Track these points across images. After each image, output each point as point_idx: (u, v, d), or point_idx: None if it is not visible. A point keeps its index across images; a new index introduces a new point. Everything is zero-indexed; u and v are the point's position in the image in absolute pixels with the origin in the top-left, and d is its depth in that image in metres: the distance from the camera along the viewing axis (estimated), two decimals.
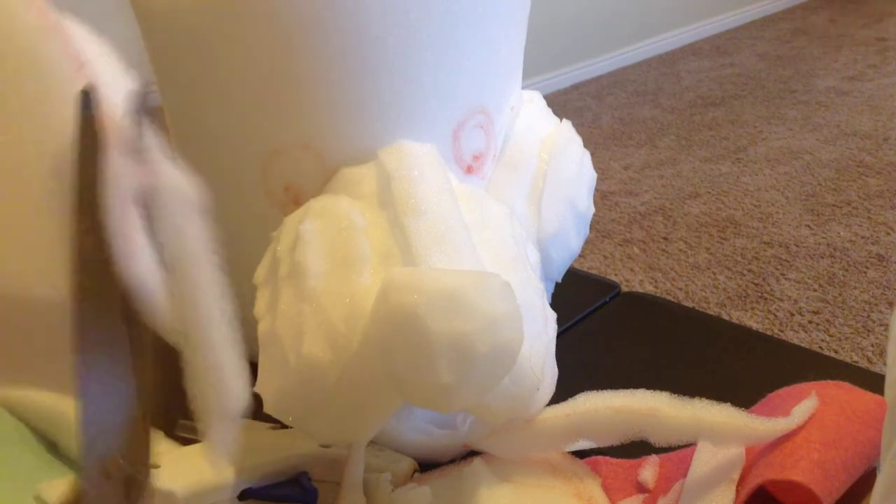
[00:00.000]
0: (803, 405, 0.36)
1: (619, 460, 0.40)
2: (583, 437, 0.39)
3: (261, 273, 0.41)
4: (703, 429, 0.36)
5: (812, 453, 0.34)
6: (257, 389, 0.37)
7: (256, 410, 0.38)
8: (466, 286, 0.32)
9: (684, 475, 0.37)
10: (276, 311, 0.37)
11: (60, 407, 0.46)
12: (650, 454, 0.40)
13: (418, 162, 0.40)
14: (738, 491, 0.35)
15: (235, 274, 0.50)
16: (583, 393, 0.39)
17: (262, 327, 0.38)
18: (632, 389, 0.38)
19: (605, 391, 0.39)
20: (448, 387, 0.32)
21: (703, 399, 0.37)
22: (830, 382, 0.38)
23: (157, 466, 0.34)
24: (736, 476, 0.36)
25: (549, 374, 0.41)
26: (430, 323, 0.31)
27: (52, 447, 0.45)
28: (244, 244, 0.48)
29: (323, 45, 0.39)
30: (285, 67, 0.40)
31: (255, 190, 0.44)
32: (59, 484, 0.41)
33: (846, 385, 0.38)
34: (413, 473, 0.41)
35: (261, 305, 0.39)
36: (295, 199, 0.43)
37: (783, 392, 0.39)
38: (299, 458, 0.38)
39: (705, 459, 0.37)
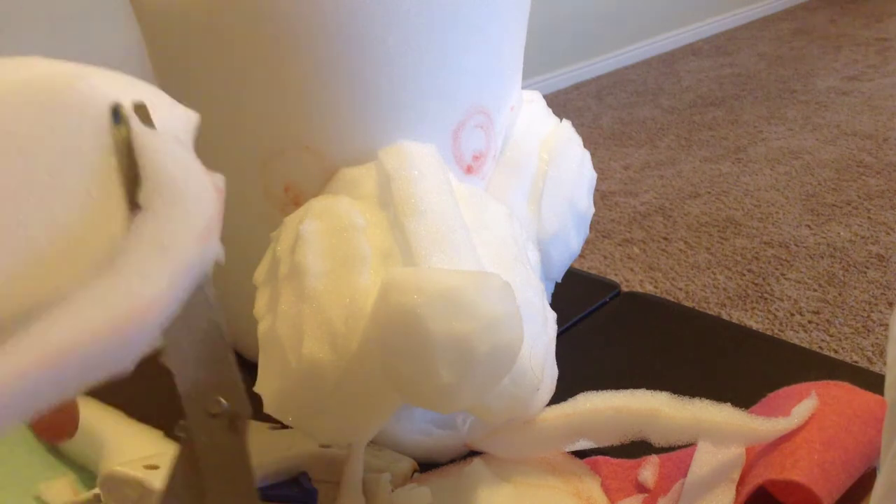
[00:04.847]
0: (803, 405, 0.36)
1: (619, 460, 0.40)
2: (583, 437, 0.39)
3: (260, 273, 0.41)
4: (703, 429, 0.36)
5: (812, 453, 0.34)
6: (257, 389, 0.37)
7: (256, 410, 0.38)
8: (466, 286, 0.32)
9: (684, 475, 0.37)
10: (276, 311, 0.37)
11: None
12: (650, 454, 0.40)
13: (418, 162, 0.40)
14: (738, 491, 0.35)
15: (235, 274, 0.50)
16: (583, 393, 0.39)
17: (262, 327, 0.38)
18: (632, 389, 0.38)
19: (605, 391, 0.39)
20: (448, 387, 0.32)
21: (703, 399, 0.37)
22: (831, 382, 0.38)
23: (155, 467, 0.34)
24: (736, 476, 0.36)
25: (548, 374, 0.41)
26: (429, 323, 0.31)
27: (52, 447, 0.45)
28: (244, 244, 0.48)
29: (323, 46, 0.39)
30: (285, 68, 0.40)
31: (254, 190, 0.44)
32: (59, 484, 0.41)
33: (846, 385, 0.38)
34: (413, 473, 0.41)
35: (261, 305, 0.39)
36: (295, 200, 0.43)
37: (783, 392, 0.39)
38: (299, 459, 0.38)
39: (705, 459, 0.37)
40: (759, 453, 0.36)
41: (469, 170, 0.46)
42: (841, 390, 0.37)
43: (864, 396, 0.37)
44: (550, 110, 0.52)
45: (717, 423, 0.36)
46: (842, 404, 0.36)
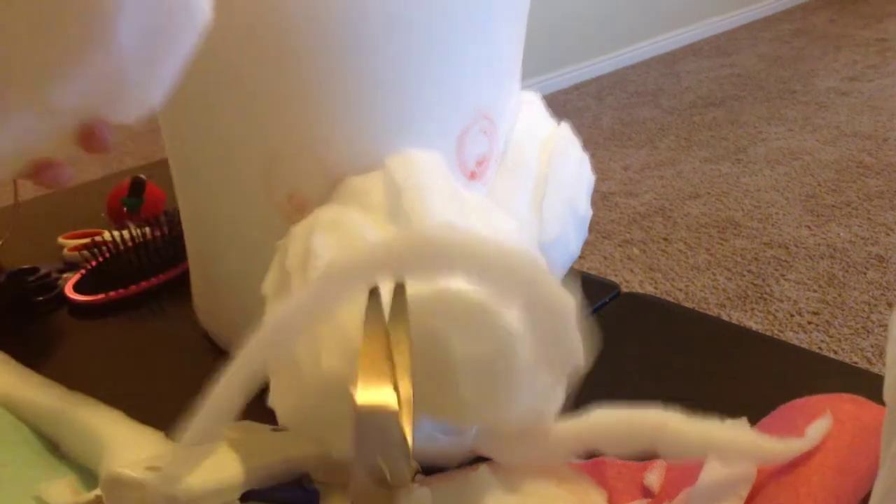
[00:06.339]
0: (817, 425, 0.35)
1: (625, 462, 0.40)
2: (592, 448, 0.39)
3: (270, 284, 0.40)
4: (715, 446, 0.35)
5: (826, 480, 0.33)
6: (271, 404, 0.37)
7: (259, 412, 0.38)
8: (487, 304, 0.32)
9: (690, 483, 0.37)
10: None
11: (61, 408, 0.46)
12: (657, 458, 0.39)
13: (427, 173, 0.40)
14: None
15: (239, 281, 0.50)
16: (595, 407, 0.39)
17: None
18: (644, 404, 0.38)
19: (616, 405, 0.38)
20: (470, 405, 0.31)
21: (702, 398, 0.36)
22: (845, 396, 0.38)
23: (156, 468, 0.34)
24: (744, 493, 0.35)
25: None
26: (451, 342, 0.31)
27: (53, 447, 0.45)
28: (247, 251, 0.47)
29: (327, 53, 0.39)
30: (288, 75, 0.40)
31: (257, 197, 0.44)
32: (60, 485, 0.41)
33: (858, 399, 0.38)
34: (415, 475, 0.41)
35: None
36: (299, 208, 0.42)
37: (797, 404, 0.39)
38: (301, 461, 0.38)
39: (715, 472, 0.36)
40: (771, 473, 0.36)
41: (472, 175, 0.46)
42: (853, 405, 0.37)
43: (875, 411, 0.37)
44: (549, 112, 0.52)
45: (730, 441, 0.35)
46: (854, 422, 0.36)
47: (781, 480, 0.35)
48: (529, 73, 2.99)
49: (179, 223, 0.67)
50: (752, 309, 1.55)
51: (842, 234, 1.78)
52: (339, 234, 0.38)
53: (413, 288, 0.33)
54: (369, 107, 0.40)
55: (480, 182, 0.46)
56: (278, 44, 0.39)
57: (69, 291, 0.63)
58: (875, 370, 1.06)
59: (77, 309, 0.62)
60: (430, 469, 0.41)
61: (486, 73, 0.44)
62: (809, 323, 1.49)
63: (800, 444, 0.35)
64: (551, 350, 0.34)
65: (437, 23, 0.40)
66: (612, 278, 1.62)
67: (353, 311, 0.35)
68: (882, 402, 0.29)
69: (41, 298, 0.63)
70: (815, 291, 1.59)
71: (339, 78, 0.40)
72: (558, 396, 0.40)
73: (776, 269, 1.68)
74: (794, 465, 0.35)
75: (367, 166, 0.41)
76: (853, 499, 0.33)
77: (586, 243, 0.51)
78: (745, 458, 0.35)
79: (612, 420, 0.37)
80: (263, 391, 0.37)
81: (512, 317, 0.32)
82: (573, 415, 0.39)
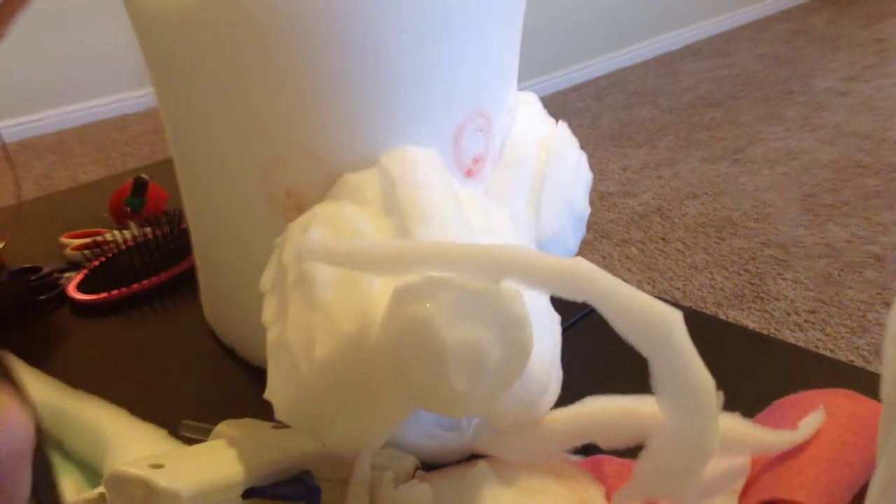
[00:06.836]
0: (811, 419, 0.36)
1: (623, 460, 0.40)
2: (588, 440, 0.39)
3: (266, 280, 0.41)
4: None
5: (819, 473, 0.33)
6: (267, 397, 0.37)
7: (264, 412, 0.38)
8: (478, 293, 0.32)
9: None
10: (286, 319, 0.37)
11: (64, 406, 0.46)
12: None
13: (422, 167, 0.40)
14: (740, 502, 0.35)
15: (238, 279, 0.50)
16: (590, 396, 0.39)
17: (272, 335, 0.38)
18: (639, 394, 0.38)
19: (611, 395, 0.39)
20: (462, 394, 0.32)
21: None
22: (839, 391, 0.38)
23: (160, 466, 0.34)
24: (739, 486, 0.35)
25: (555, 377, 0.41)
26: (443, 331, 0.31)
27: (56, 445, 0.45)
28: (247, 250, 0.48)
29: (324, 51, 0.39)
30: (285, 73, 0.40)
31: (256, 195, 0.44)
32: (64, 482, 0.41)
33: (852, 394, 0.38)
34: (415, 471, 0.41)
35: (268, 313, 0.39)
36: (297, 205, 0.43)
37: (789, 400, 0.39)
38: (303, 457, 0.38)
39: (709, 466, 0.37)
40: (765, 466, 0.36)
41: (469, 173, 0.46)
42: (847, 400, 0.37)
43: (869, 405, 0.37)
44: (546, 112, 0.53)
45: (725, 431, 0.35)
46: (847, 416, 0.36)
47: (775, 473, 0.35)
48: (529, 74, 3.00)
49: (181, 222, 0.68)
50: (749, 308, 1.56)
51: (839, 233, 1.79)
52: (334, 228, 0.38)
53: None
54: (365, 104, 0.41)
55: (477, 179, 0.47)
56: (275, 42, 0.39)
57: (72, 291, 0.63)
58: (871, 368, 1.07)
59: (79, 308, 0.63)
60: (429, 465, 0.42)
61: (481, 71, 0.44)
62: (806, 322, 1.50)
63: (793, 436, 0.35)
64: None
65: (433, 20, 0.40)
66: None
67: (346, 306, 0.35)
68: (878, 399, 0.29)
69: (43, 297, 0.63)
70: (811, 290, 1.59)
71: (335, 75, 0.40)
72: (553, 389, 0.41)
73: (773, 269, 1.68)
74: (788, 457, 0.35)
75: (364, 163, 0.41)
76: (847, 492, 0.34)
77: (585, 243, 0.51)
78: (740, 448, 0.36)
79: (607, 410, 0.37)
80: (262, 387, 0.38)
81: (508, 303, 0.32)
82: (567, 406, 0.40)
